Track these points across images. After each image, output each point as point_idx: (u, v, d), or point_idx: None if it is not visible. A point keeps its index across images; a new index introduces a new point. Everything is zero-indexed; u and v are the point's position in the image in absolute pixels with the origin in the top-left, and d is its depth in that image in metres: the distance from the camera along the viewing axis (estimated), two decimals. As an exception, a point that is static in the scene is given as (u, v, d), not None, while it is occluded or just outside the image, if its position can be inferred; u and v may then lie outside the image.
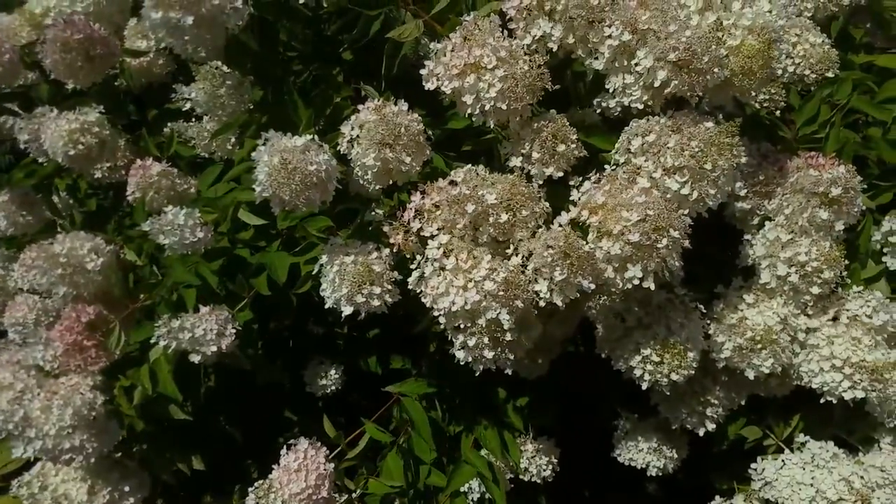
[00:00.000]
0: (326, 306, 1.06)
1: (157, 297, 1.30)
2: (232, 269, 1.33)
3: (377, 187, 1.08)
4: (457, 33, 1.01)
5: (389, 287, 1.03)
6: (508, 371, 1.30)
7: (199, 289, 1.29)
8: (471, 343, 0.97)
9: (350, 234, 1.16)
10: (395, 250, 1.07)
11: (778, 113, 1.46)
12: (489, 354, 0.98)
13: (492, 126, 1.03)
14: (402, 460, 1.33)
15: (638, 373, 1.11)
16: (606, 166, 1.04)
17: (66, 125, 1.48)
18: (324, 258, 1.06)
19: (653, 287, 0.95)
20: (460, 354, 1.01)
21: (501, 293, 0.93)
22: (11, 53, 1.55)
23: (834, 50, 1.43)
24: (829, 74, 1.43)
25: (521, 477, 1.35)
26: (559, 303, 0.95)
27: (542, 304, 0.95)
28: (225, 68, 1.16)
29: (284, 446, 1.25)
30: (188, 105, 1.57)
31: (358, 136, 1.04)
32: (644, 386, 1.13)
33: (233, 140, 1.50)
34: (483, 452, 1.34)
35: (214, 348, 1.20)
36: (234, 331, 1.22)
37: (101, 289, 1.34)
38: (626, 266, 0.95)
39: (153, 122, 1.81)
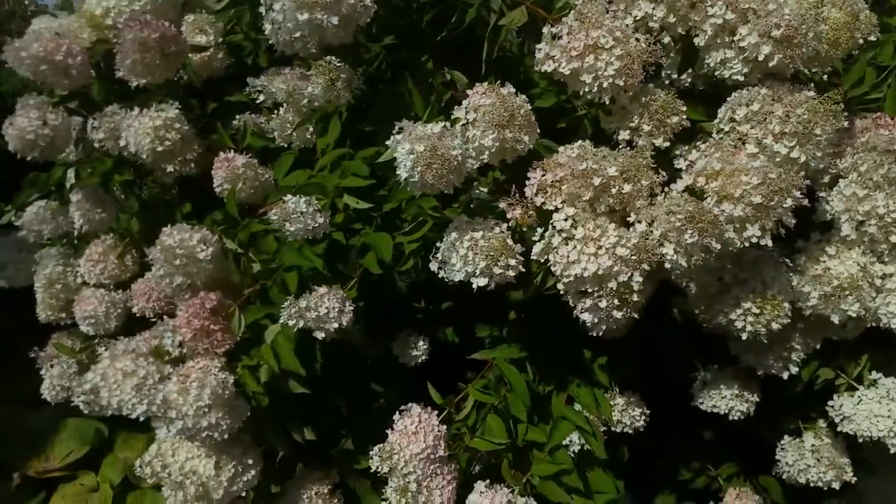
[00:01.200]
0: (456, 280, 1.14)
1: (269, 282, 1.37)
2: (329, 253, 1.40)
3: (475, 167, 1.16)
4: (570, 17, 1.09)
5: (521, 259, 1.12)
6: (594, 333, 1.41)
7: (306, 271, 1.37)
8: (602, 305, 1.06)
9: (461, 210, 1.24)
10: (511, 225, 1.16)
11: (825, 77, 1.56)
12: (618, 315, 1.07)
13: (606, 102, 1.11)
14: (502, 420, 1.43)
15: (739, 325, 1.21)
16: (713, 135, 1.13)
17: (149, 122, 1.53)
18: (453, 235, 1.13)
19: (770, 244, 1.05)
20: (586, 317, 1.11)
21: (633, 258, 1.02)
22: (83, 56, 1.60)
23: (873, 14, 1.52)
24: (872, 38, 1.52)
25: (612, 429, 1.45)
26: (684, 264, 1.04)
27: (667, 265, 1.05)
28: (337, 61, 1.22)
29: (397, 412, 1.34)
30: (261, 97, 1.63)
31: (475, 118, 1.12)
32: (744, 336, 1.23)
33: (310, 129, 1.55)
34: (576, 408, 1.44)
35: (336, 325, 1.28)
36: (352, 308, 1.29)
37: (210, 277, 1.41)
38: (745, 226, 1.04)
39: (213, 115, 1.86)
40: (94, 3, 1.60)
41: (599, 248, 1.03)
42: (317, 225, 1.25)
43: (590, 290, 1.07)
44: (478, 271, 1.10)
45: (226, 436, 1.31)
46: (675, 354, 1.58)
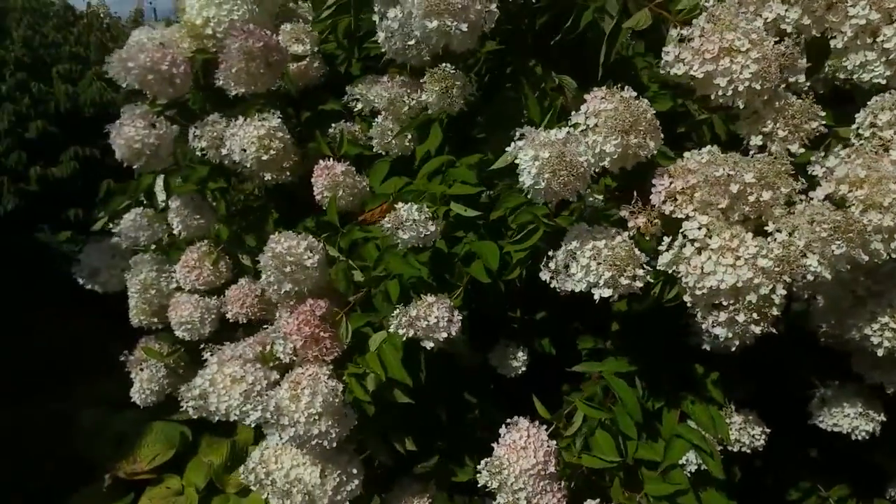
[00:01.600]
0: (572, 290, 1.10)
1: (373, 290, 1.37)
2: (433, 261, 1.39)
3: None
4: (702, 19, 1.05)
5: (648, 269, 1.08)
6: (706, 347, 1.35)
7: (410, 280, 1.35)
8: (740, 319, 1.01)
9: (575, 218, 1.21)
10: (632, 234, 1.12)
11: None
12: (756, 329, 1.02)
13: (741, 106, 1.07)
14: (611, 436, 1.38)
15: (875, 340, 1.15)
16: (852, 140, 1.08)
17: (254, 131, 1.54)
18: (573, 244, 1.10)
19: (924, 255, 0.99)
20: (718, 331, 1.06)
21: (776, 269, 0.97)
22: (185, 65, 1.62)
23: None
24: None
25: (729, 448, 1.39)
26: (828, 276, 0.98)
27: (809, 277, 0.99)
28: (451, 68, 1.20)
29: (504, 425, 1.31)
30: (358, 105, 1.63)
31: (595, 123, 1.08)
32: (880, 353, 1.16)
33: (409, 137, 1.54)
34: (690, 425, 1.39)
35: (445, 335, 1.26)
36: (460, 318, 1.27)
37: (316, 284, 1.41)
38: (894, 236, 0.98)
39: (306, 124, 1.87)
40: (195, 13, 1.62)
41: (738, 258, 0.98)
42: (428, 233, 1.24)
43: (725, 304, 1.02)
44: (601, 282, 1.07)
45: (334, 444, 1.30)
46: (788, 370, 1.51)
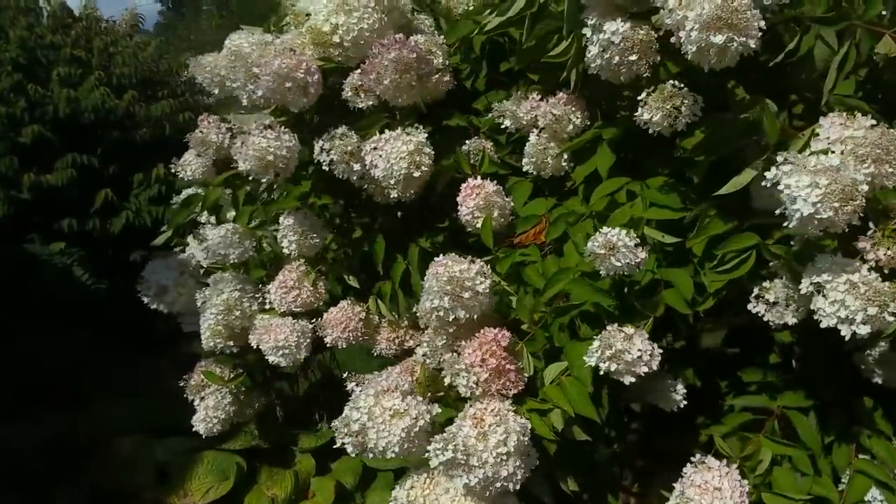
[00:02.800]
0: (826, 325, 1.04)
1: (548, 318, 1.29)
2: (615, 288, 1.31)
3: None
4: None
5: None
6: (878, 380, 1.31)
7: (590, 307, 1.28)
8: None
9: (798, 249, 1.15)
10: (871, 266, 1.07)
11: None
12: None
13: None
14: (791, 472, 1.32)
15: None
16: None
17: (403, 147, 1.45)
18: (823, 276, 1.04)
19: None
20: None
21: None
22: (318, 74, 1.52)
23: None
24: None
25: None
26: None
27: None
28: (679, 86, 1.14)
29: (689, 463, 1.24)
30: (506, 122, 1.56)
31: (842, 150, 1.03)
32: None
33: (565, 157, 1.47)
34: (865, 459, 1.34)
35: (646, 369, 1.18)
36: (660, 351, 1.20)
37: (484, 312, 1.32)
38: None
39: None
40: (321, 20, 1.53)
41: None
42: (639, 260, 1.16)
43: None
44: (858, 318, 1.01)
45: (518, 486, 1.21)
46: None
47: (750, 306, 1.18)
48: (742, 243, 1.19)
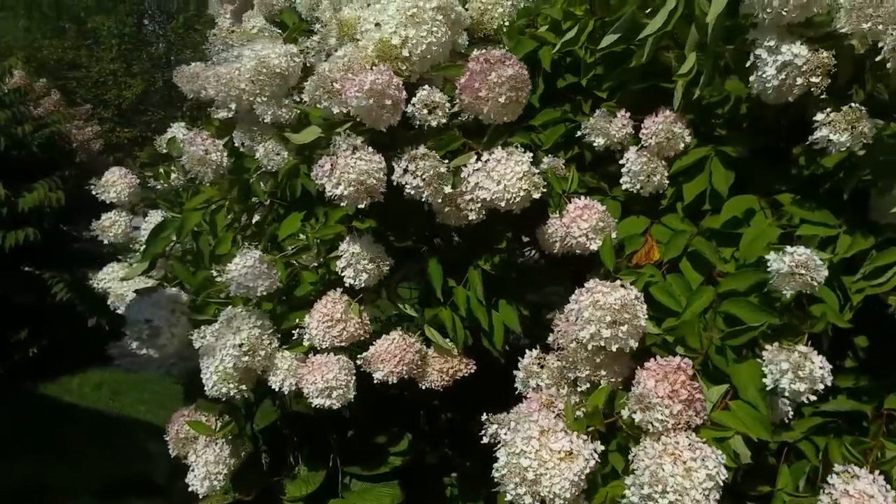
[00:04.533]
0: None
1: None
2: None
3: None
4: None
5: None
6: None
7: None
8: None
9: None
10: None
11: None
12: None
13: None
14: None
15: None
16: None
17: (517, 167, 1.36)
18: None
19: None
20: None
21: None
22: (404, 90, 1.39)
23: None
24: None
25: None
26: None
27: None
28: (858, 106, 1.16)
29: (834, 474, 1.27)
30: (599, 140, 1.51)
31: None
32: None
33: (664, 174, 1.46)
34: None
35: (821, 386, 1.19)
36: (831, 367, 1.21)
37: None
38: None
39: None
40: (390, 31, 1.40)
41: None
42: (820, 279, 1.17)
43: None
44: None
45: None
46: None
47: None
48: (889, 258, 1.24)
